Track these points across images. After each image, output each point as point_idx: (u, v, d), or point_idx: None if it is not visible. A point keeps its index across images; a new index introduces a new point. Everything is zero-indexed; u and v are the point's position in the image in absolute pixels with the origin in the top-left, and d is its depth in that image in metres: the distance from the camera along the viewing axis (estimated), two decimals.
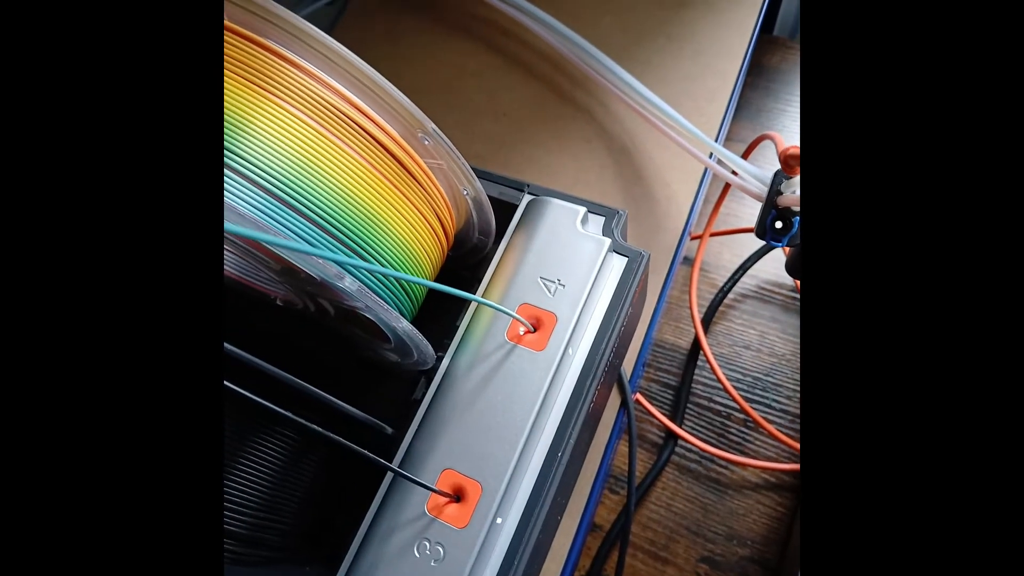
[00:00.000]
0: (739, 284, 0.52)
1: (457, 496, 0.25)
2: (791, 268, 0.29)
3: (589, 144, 0.47)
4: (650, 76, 0.48)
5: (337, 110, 0.24)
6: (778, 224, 0.26)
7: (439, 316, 0.31)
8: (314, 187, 0.23)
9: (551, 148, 0.47)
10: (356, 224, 0.25)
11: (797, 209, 0.26)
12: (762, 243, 0.54)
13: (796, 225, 0.26)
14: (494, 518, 0.24)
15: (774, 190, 0.26)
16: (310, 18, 0.58)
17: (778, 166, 0.29)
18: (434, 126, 0.25)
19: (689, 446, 0.47)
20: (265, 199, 0.23)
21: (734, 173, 0.36)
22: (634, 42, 0.50)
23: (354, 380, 0.33)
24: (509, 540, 0.25)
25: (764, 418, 0.46)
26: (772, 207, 0.26)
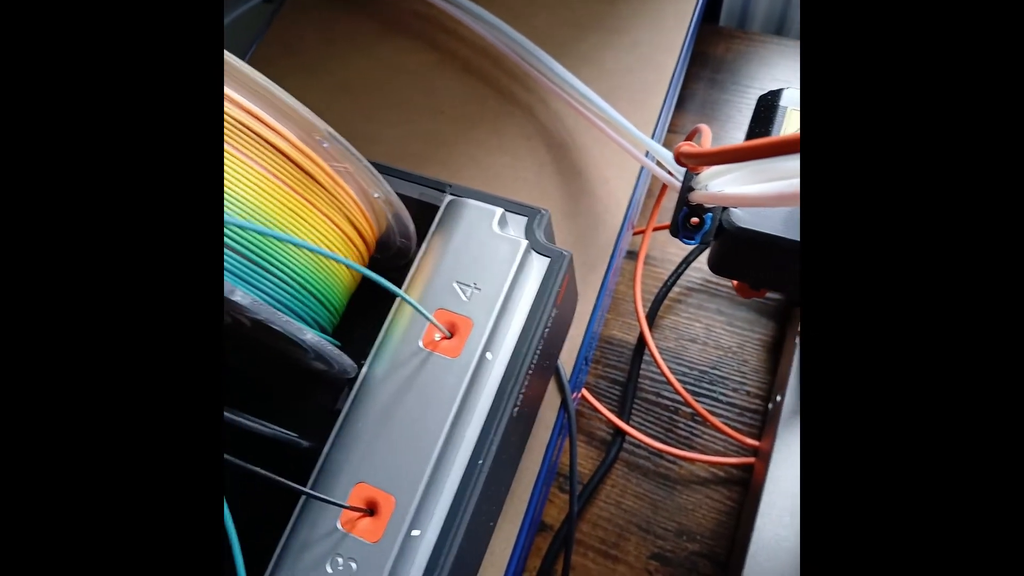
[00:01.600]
0: (685, 278, 0.52)
1: (370, 510, 0.24)
2: (713, 265, 0.29)
3: (528, 141, 0.47)
4: (588, 71, 0.47)
5: (229, 116, 0.23)
6: (693, 220, 0.26)
7: (364, 324, 0.30)
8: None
9: (490, 146, 0.47)
10: (259, 239, 0.24)
11: (709, 206, 0.25)
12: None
13: (708, 222, 0.26)
14: (408, 531, 0.24)
15: (686, 187, 0.26)
16: (245, 16, 0.57)
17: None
18: (331, 129, 0.24)
19: (637, 442, 0.47)
20: None
21: (671, 174, 0.35)
22: (572, 36, 0.50)
23: (286, 392, 0.32)
24: (430, 551, 0.24)
25: (711, 412, 0.46)
26: (684, 204, 0.25)
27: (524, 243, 0.28)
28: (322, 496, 0.23)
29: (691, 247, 0.52)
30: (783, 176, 0.19)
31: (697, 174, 0.25)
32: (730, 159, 0.20)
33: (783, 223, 0.25)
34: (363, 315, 0.30)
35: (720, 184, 0.23)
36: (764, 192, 0.20)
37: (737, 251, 0.26)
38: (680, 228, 0.26)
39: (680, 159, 0.24)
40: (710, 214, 0.26)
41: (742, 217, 0.26)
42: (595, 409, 0.47)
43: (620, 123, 0.40)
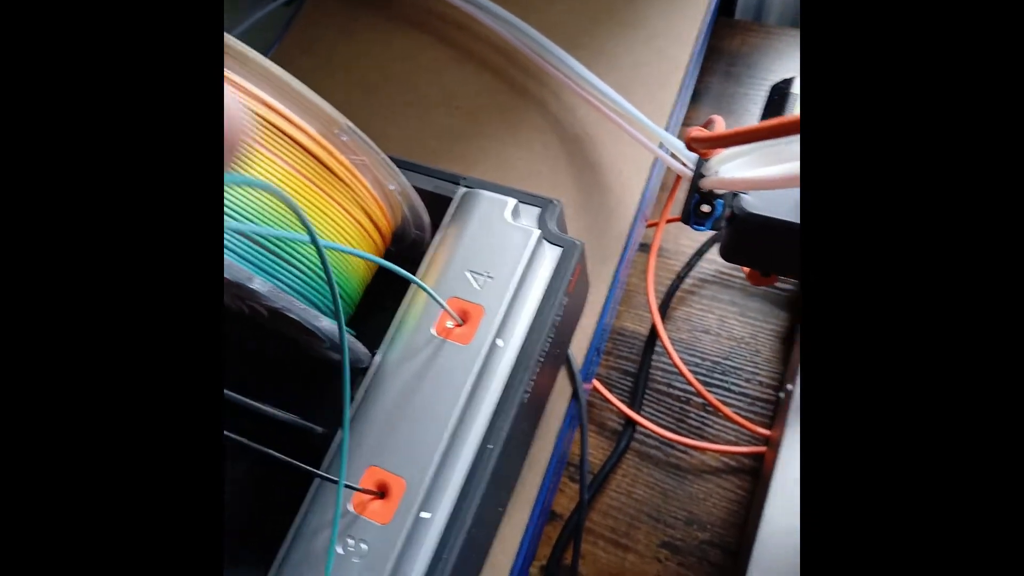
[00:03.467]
0: (698, 270, 0.52)
1: (381, 492, 0.25)
2: (724, 252, 0.29)
3: (542, 135, 0.47)
4: (602, 64, 0.48)
5: (251, 111, 0.24)
6: (704, 208, 0.26)
7: (377, 314, 0.31)
8: (231, 191, 0.23)
9: (505, 140, 0.47)
10: (277, 227, 0.25)
11: (720, 192, 0.26)
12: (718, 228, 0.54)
13: (720, 208, 0.26)
14: (418, 513, 0.24)
15: (697, 174, 0.26)
16: (266, 19, 0.58)
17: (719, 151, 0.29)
18: (349, 122, 0.24)
19: (648, 432, 0.47)
20: None
21: (685, 165, 0.36)
22: (585, 30, 0.50)
23: (300, 381, 0.33)
24: (440, 535, 0.25)
25: (722, 402, 0.47)
26: (695, 191, 0.26)
27: (536, 232, 0.28)
28: (333, 478, 0.24)
29: (704, 240, 0.53)
30: (791, 159, 0.20)
31: (708, 160, 0.26)
32: (738, 141, 0.20)
33: (792, 208, 0.25)
34: (378, 306, 0.31)
35: (730, 169, 0.23)
36: (770, 175, 0.20)
37: (747, 237, 0.27)
38: (692, 215, 0.26)
39: (690, 143, 0.24)
40: (720, 201, 0.26)
41: (752, 203, 0.26)
42: (606, 400, 0.47)
43: (634, 115, 0.40)
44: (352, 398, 0.28)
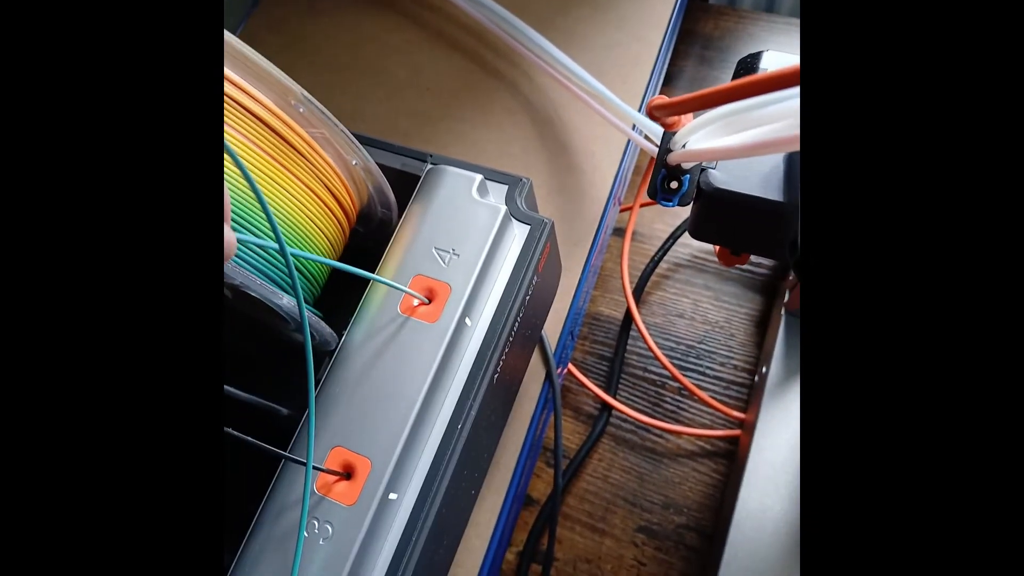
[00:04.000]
0: (673, 254, 0.52)
1: (347, 473, 0.24)
2: (692, 229, 0.28)
3: (513, 117, 0.46)
4: (574, 46, 0.47)
5: None
6: (672, 184, 0.26)
7: (346, 297, 0.30)
8: None
9: (476, 122, 0.47)
10: (237, 204, 0.24)
11: (687, 166, 0.25)
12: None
13: (687, 183, 0.26)
14: (385, 494, 0.24)
15: (664, 148, 0.26)
16: None
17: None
18: (306, 92, 0.24)
19: (624, 416, 0.47)
20: None
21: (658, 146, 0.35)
22: (558, 11, 0.50)
23: (266, 366, 0.32)
24: (408, 515, 0.24)
25: (697, 386, 0.46)
26: (662, 166, 0.25)
27: (503, 209, 0.28)
28: (296, 458, 0.23)
29: (678, 224, 0.52)
30: (757, 125, 0.19)
31: (674, 133, 0.25)
32: (701, 104, 0.20)
33: (761, 183, 0.25)
34: (348, 291, 0.30)
35: (697, 140, 0.23)
36: (738, 143, 0.20)
37: (715, 213, 0.26)
38: (659, 190, 0.26)
39: (652, 112, 0.23)
40: (688, 176, 0.26)
41: (719, 178, 0.25)
42: (582, 384, 0.47)
43: (606, 95, 0.40)
44: (317, 379, 0.27)
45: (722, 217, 0.26)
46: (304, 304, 0.25)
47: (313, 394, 0.25)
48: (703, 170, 0.26)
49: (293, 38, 0.52)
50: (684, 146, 0.24)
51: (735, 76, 0.28)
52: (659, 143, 0.27)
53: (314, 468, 0.24)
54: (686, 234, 0.52)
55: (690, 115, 0.27)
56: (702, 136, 0.23)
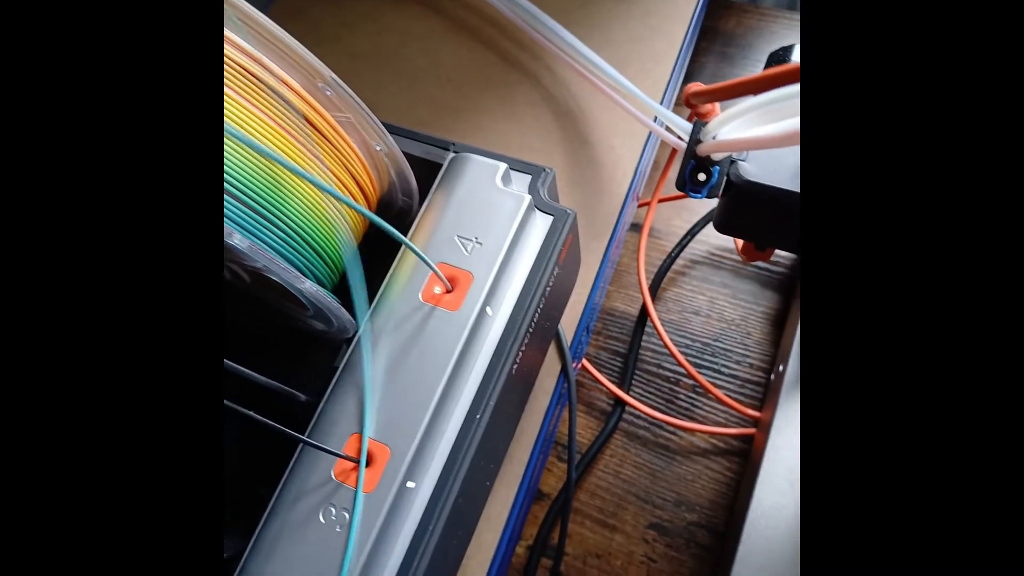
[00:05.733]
0: (690, 250, 0.52)
1: (366, 461, 0.24)
2: (718, 223, 0.28)
3: (535, 108, 0.46)
4: (596, 39, 0.47)
5: (230, 60, 0.23)
6: (700, 176, 0.25)
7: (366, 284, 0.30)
8: None
9: (496, 113, 0.46)
10: (259, 185, 0.24)
11: (717, 158, 0.25)
12: (711, 208, 0.53)
13: (716, 175, 0.25)
14: (403, 482, 0.24)
15: (693, 139, 0.25)
16: None
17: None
18: (333, 75, 0.23)
19: (638, 413, 0.47)
20: None
21: (681, 138, 0.35)
22: (580, 4, 0.49)
23: (284, 351, 0.32)
24: (425, 504, 0.24)
25: (712, 383, 0.46)
26: (691, 156, 0.25)
27: (527, 198, 0.27)
28: (316, 443, 0.23)
29: (696, 220, 0.52)
30: (791, 115, 0.19)
31: (706, 124, 0.25)
32: (738, 92, 0.19)
33: (792, 177, 0.25)
34: (366, 278, 0.30)
35: (729, 132, 0.22)
36: (771, 133, 0.19)
37: (744, 207, 0.26)
38: (688, 181, 0.26)
39: (688, 99, 0.23)
40: (717, 168, 0.26)
41: (750, 171, 0.25)
42: (595, 379, 0.47)
43: (628, 88, 0.39)
44: (336, 366, 0.27)
45: (751, 210, 0.26)
46: (326, 291, 0.25)
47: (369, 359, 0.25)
48: (733, 162, 0.26)
49: (313, 26, 0.51)
50: (714, 137, 0.24)
51: (766, 69, 0.27)
52: (687, 135, 0.26)
53: (334, 454, 0.23)
54: (704, 231, 0.51)
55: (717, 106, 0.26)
56: (734, 127, 0.22)
